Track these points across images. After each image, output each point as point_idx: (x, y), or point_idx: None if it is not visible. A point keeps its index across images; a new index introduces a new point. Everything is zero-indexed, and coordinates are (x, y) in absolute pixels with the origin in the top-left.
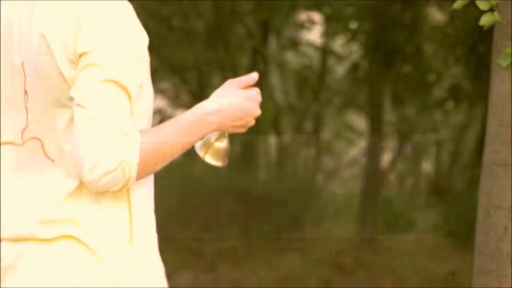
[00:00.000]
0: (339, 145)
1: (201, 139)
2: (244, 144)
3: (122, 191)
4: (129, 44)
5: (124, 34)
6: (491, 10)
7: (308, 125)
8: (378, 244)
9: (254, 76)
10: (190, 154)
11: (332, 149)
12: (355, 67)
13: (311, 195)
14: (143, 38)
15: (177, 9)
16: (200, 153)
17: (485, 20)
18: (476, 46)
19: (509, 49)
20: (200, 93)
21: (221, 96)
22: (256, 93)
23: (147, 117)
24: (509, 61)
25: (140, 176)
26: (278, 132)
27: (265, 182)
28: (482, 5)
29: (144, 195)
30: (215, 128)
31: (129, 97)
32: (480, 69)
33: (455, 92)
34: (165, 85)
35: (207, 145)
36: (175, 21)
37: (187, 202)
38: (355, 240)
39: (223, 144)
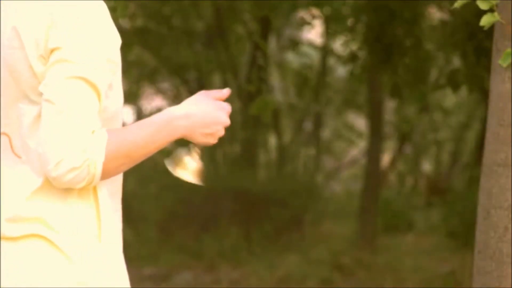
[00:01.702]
0: (339, 145)
1: (168, 143)
2: (244, 144)
3: (88, 189)
4: (100, 43)
5: (96, 33)
6: (491, 10)
7: (308, 125)
8: (378, 244)
9: (225, 92)
10: None
11: (332, 149)
12: (353, 57)
13: (311, 195)
14: (116, 39)
15: (177, 9)
16: (169, 167)
17: (485, 20)
18: (475, 32)
19: (509, 49)
20: None
21: (190, 102)
22: (226, 104)
23: (118, 119)
24: (509, 61)
25: (105, 175)
26: (278, 132)
27: (265, 182)
28: (482, 5)
29: (110, 194)
30: (183, 133)
31: (98, 96)
32: (479, 54)
33: (453, 78)
34: (165, 85)
35: (176, 160)
36: (175, 21)
37: (187, 202)
38: (355, 240)
39: (193, 160)
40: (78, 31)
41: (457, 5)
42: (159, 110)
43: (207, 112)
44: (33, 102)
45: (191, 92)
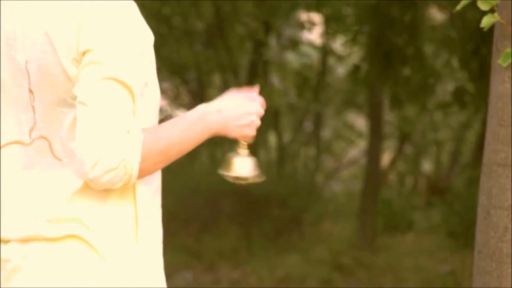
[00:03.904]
0: (339, 145)
1: (203, 139)
2: None
3: (128, 190)
4: (132, 42)
5: (127, 32)
6: (492, 10)
7: (308, 125)
8: (378, 244)
9: (254, 90)
10: (190, 154)
11: (332, 149)
12: (356, 69)
13: (311, 195)
14: (148, 37)
15: (177, 9)
16: (225, 176)
17: (485, 22)
18: (478, 48)
19: (509, 49)
20: (200, 93)
21: (222, 98)
22: (257, 96)
23: (154, 116)
24: (509, 61)
25: (142, 174)
26: (278, 132)
27: (265, 182)
28: (483, 6)
29: (151, 193)
30: (217, 128)
31: (132, 96)
32: (483, 70)
33: (459, 95)
34: (165, 85)
35: (226, 165)
36: (175, 21)
37: (187, 202)
38: (355, 240)
39: (243, 159)
40: (108, 32)
41: (459, 7)
42: (159, 109)
43: (238, 104)
44: (70, 105)
45: (191, 92)
